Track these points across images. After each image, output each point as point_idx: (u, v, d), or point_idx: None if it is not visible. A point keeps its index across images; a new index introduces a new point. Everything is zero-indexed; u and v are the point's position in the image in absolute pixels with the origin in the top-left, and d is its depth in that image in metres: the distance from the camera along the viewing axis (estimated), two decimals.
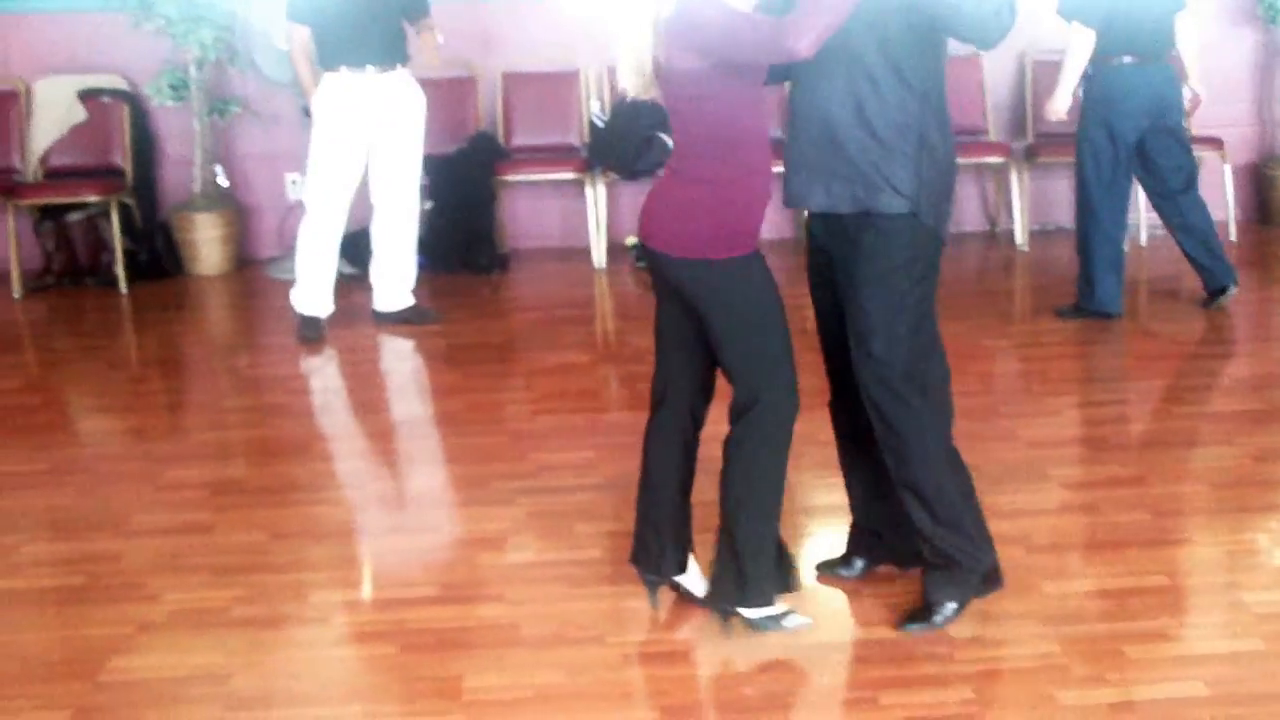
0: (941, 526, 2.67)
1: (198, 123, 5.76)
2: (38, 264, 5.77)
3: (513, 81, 6.03)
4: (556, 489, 3.46)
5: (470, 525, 3.29)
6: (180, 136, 5.92)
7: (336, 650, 2.74)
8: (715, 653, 2.68)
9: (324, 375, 4.74)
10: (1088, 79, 4.64)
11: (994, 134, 6.11)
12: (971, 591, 2.73)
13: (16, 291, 5.60)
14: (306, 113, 4.99)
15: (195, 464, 3.77)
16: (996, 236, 6.23)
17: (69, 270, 5.77)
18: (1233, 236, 5.92)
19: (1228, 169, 5.95)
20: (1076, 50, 4.55)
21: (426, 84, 5.96)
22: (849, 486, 2.90)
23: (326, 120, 4.73)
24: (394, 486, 3.74)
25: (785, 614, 2.71)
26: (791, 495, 3.41)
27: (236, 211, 5.96)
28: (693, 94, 2.52)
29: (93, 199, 5.64)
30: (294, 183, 5.91)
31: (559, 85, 6.02)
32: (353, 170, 4.79)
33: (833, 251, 2.70)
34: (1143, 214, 5.88)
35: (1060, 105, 4.65)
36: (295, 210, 5.30)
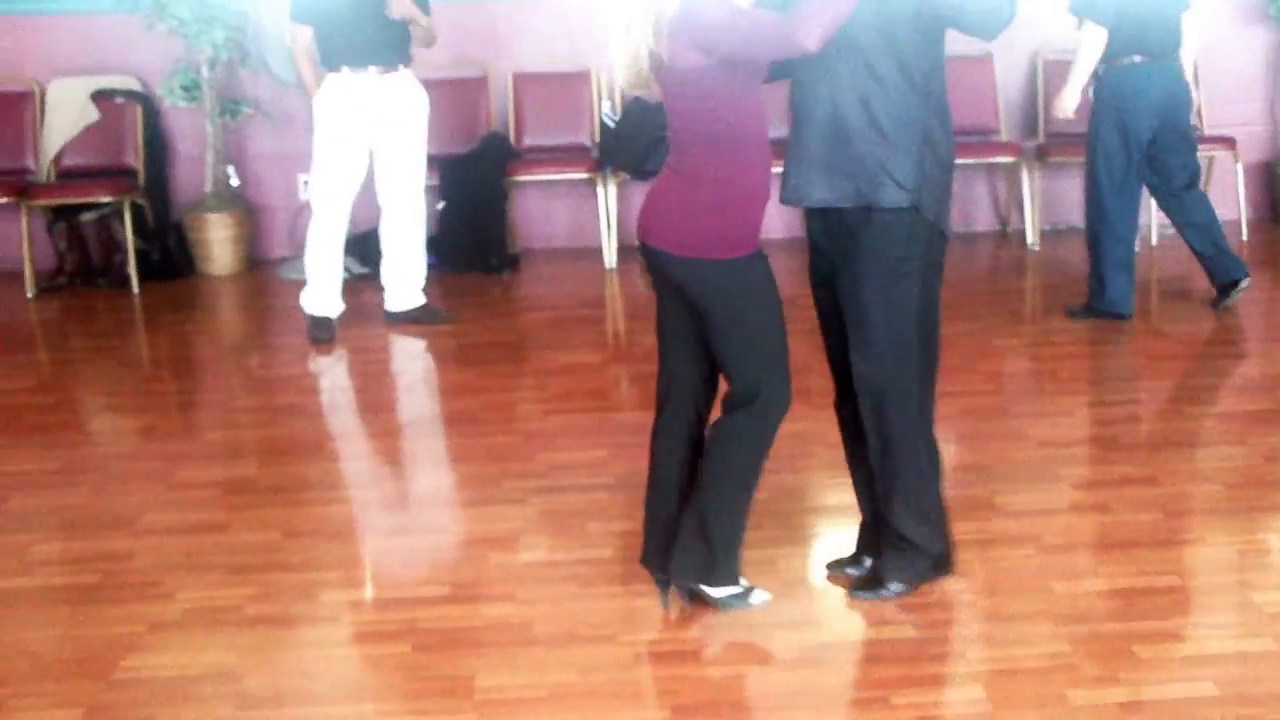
0: (910, 513, 2.75)
1: (210, 123, 5.78)
2: (50, 264, 5.79)
3: (524, 82, 6.03)
4: (568, 488, 3.47)
5: (482, 524, 3.29)
6: (192, 137, 5.94)
7: (348, 649, 2.75)
8: (726, 652, 2.69)
9: (335, 375, 4.75)
10: (1098, 79, 4.62)
11: (1005, 134, 6.10)
12: (922, 575, 2.82)
13: (30, 291, 5.63)
14: None
15: (207, 463, 3.78)
16: (1008, 236, 6.22)
17: (81, 270, 5.79)
18: (1244, 236, 5.90)
19: (1239, 168, 5.93)
20: (1088, 49, 4.54)
21: (438, 84, 6.00)
22: (856, 485, 2.91)
23: (328, 121, 4.74)
24: (405, 486, 3.75)
25: (749, 590, 2.75)
26: (800, 495, 3.43)
27: (248, 212, 5.98)
28: (693, 92, 2.52)
29: (105, 199, 5.67)
30: (305, 183, 5.91)
31: (570, 85, 6.03)
32: (355, 171, 4.80)
33: (832, 249, 2.71)
34: (1153, 214, 5.85)
35: (1069, 104, 4.63)
36: (306, 211, 5.31)
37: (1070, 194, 6.22)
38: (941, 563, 2.84)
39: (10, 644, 2.81)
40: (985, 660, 2.62)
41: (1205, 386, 4.31)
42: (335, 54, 4.70)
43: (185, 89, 5.71)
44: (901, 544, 2.79)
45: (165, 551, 3.19)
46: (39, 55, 5.93)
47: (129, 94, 5.89)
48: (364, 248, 5.52)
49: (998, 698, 2.48)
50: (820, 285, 2.79)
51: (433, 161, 5.85)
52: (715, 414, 2.75)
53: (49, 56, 5.92)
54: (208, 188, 5.86)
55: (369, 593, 3.00)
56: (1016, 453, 3.62)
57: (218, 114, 5.78)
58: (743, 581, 2.77)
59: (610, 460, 3.61)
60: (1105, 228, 4.68)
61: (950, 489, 3.36)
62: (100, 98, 5.86)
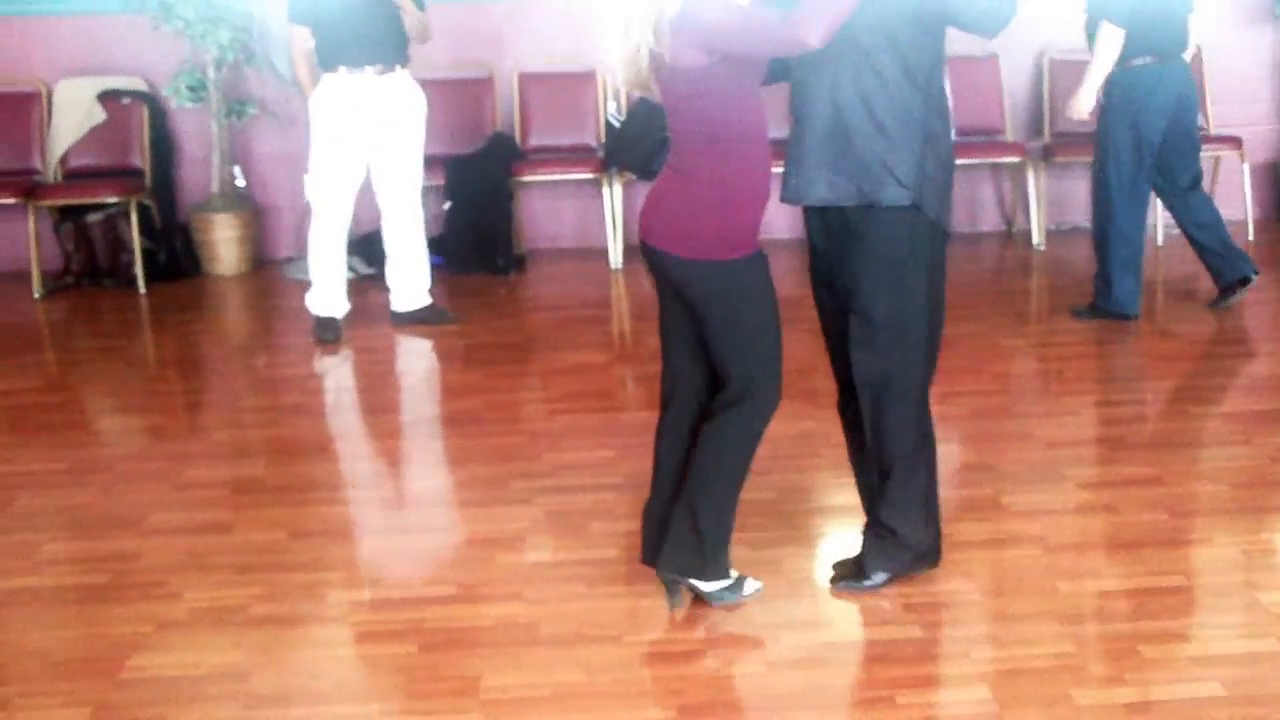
0: (898, 506, 2.77)
1: (215, 124, 5.79)
2: (57, 264, 5.81)
3: (529, 82, 6.04)
4: (574, 488, 3.47)
5: (488, 524, 3.30)
6: (198, 137, 5.96)
7: (355, 649, 2.76)
8: (732, 651, 2.69)
9: (341, 375, 4.76)
10: (1109, 80, 4.60)
11: (1011, 134, 6.09)
12: (905, 566, 2.84)
13: (37, 291, 5.65)
14: None
15: (214, 463, 3.79)
16: (1013, 236, 6.21)
17: (88, 270, 5.81)
18: (1250, 236, 5.89)
19: (1246, 168, 5.92)
20: (1105, 50, 4.49)
21: (443, 84, 6.02)
22: (860, 486, 2.92)
23: (325, 121, 4.73)
24: (411, 486, 3.76)
25: (741, 580, 2.77)
26: (805, 495, 3.43)
27: (254, 212, 6.00)
28: (694, 92, 2.53)
29: (112, 199, 5.68)
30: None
31: (575, 85, 6.03)
32: (353, 171, 4.80)
33: (832, 248, 2.71)
34: (1159, 214, 5.85)
35: (1085, 105, 4.59)
36: (309, 211, 5.32)
37: (1076, 194, 6.21)
38: (926, 556, 2.86)
39: (18, 643, 2.82)
40: (991, 660, 2.62)
41: (1211, 386, 4.30)
42: (333, 54, 4.70)
43: (191, 89, 5.72)
44: (885, 534, 2.81)
45: (172, 551, 3.20)
46: (46, 56, 5.95)
47: (135, 95, 5.91)
48: (370, 248, 5.53)
49: (1003, 698, 2.47)
50: (820, 285, 2.80)
51: (438, 162, 5.88)
52: None
53: (56, 57, 5.94)
54: (214, 188, 5.88)
55: (375, 593, 3.00)
56: (1022, 453, 3.62)
57: (224, 114, 5.79)
58: (733, 572, 2.78)
59: (616, 460, 3.62)
60: (1114, 229, 4.67)
61: (956, 489, 3.38)
62: (107, 98, 5.88)
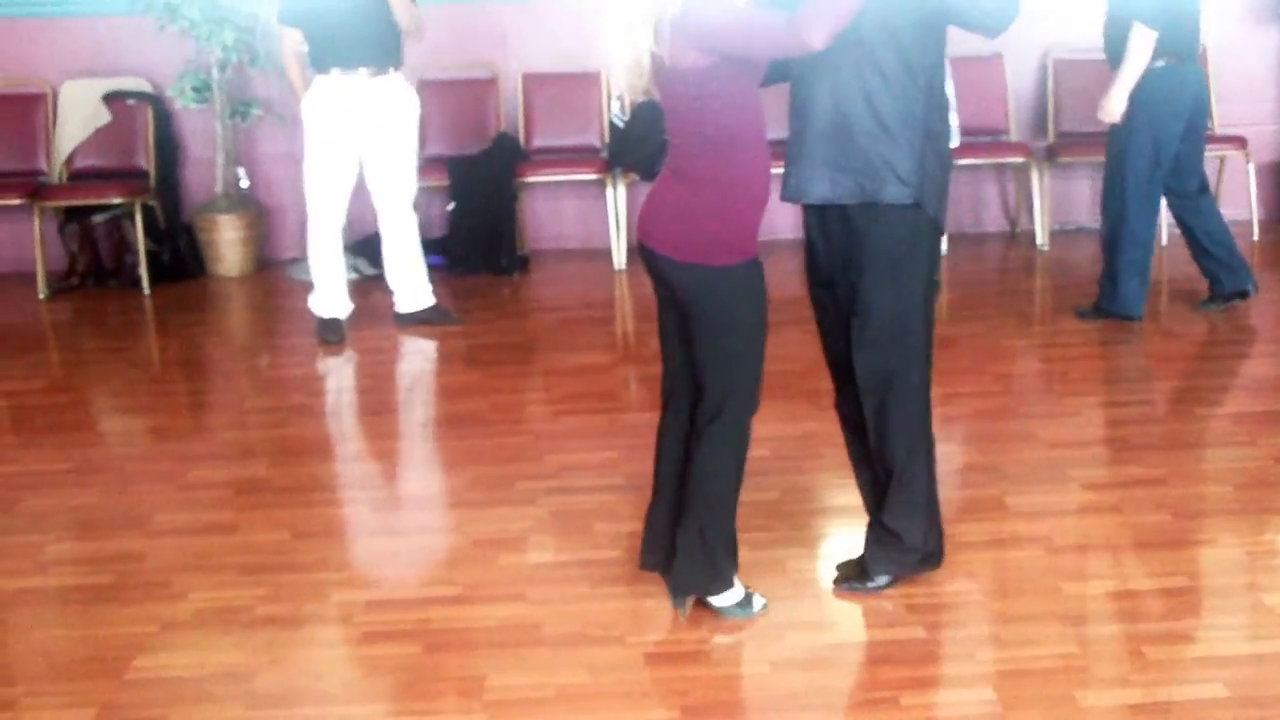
0: (902, 508, 2.77)
1: (220, 124, 5.80)
2: (62, 265, 5.82)
3: (533, 83, 6.04)
4: (577, 489, 3.47)
5: (491, 525, 3.30)
6: (203, 138, 5.97)
7: (359, 649, 2.76)
8: (735, 652, 2.69)
9: (345, 376, 4.77)
10: (1144, 75, 4.49)
11: (1015, 134, 6.08)
12: (909, 569, 2.84)
13: (41, 292, 5.66)
14: None
15: (218, 464, 3.80)
16: (1017, 237, 6.21)
17: (93, 271, 5.82)
18: (1255, 236, 5.88)
19: (1251, 168, 5.91)
20: (1139, 51, 4.42)
21: (447, 85, 6.03)
22: (861, 486, 2.92)
23: (317, 123, 4.73)
24: (415, 487, 3.76)
25: (749, 597, 2.77)
26: (809, 496, 3.43)
27: (258, 213, 6.00)
28: (693, 93, 2.53)
29: (117, 200, 5.69)
30: None
31: (579, 86, 6.03)
32: (346, 172, 4.79)
33: (831, 247, 2.71)
34: (1163, 215, 5.84)
35: (1116, 107, 4.51)
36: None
37: (1080, 194, 6.21)
38: (929, 557, 2.85)
39: (24, 643, 2.83)
40: (995, 661, 2.62)
41: (1215, 387, 4.30)
42: (325, 56, 4.68)
43: (196, 90, 5.73)
44: (889, 537, 2.81)
45: (177, 552, 3.20)
46: (51, 57, 5.96)
47: (140, 96, 5.92)
48: (373, 249, 5.52)
49: (1007, 699, 2.47)
50: (818, 285, 2.80)
51: (442, 162, 5.89)
52: None
53: (61, 58, 5.95)
54: (218, 189, 5.89)
55: (379, 593, 3.01)
56: (1026, 453, 3.62)
57: (228, 115, 5.80)
58: (741, 588, 2.77)
59: (620, 461, 3.62)
60: (1126, 231, 4.63)
61: (960, 490, 3.38)
62: (112, 99, 5.89)
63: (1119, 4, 4.51)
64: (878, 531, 2.83)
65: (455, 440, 3.98)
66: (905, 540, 2.80)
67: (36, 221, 5.67)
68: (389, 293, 5.10)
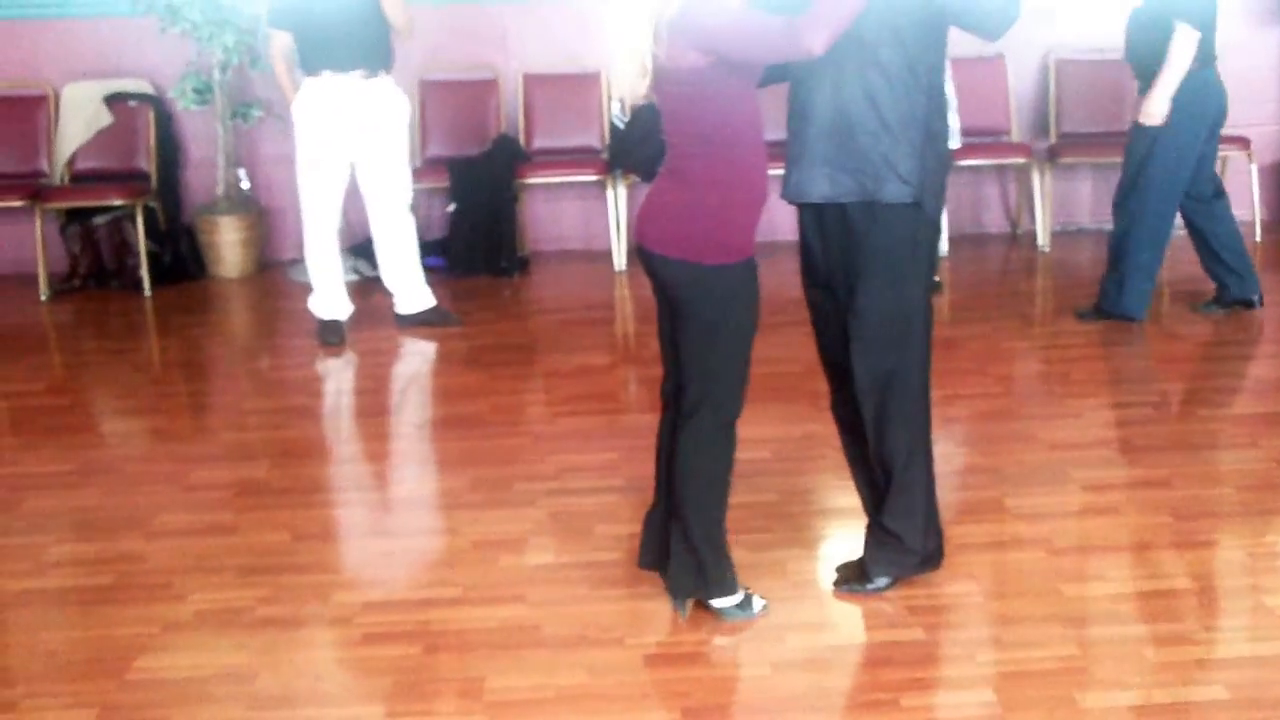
0: (902, 509, 2.77)
1: (221, 126, 5.81)
2: (63, 267, 5.82)
3: (534, 83, 6.04)
4: (577, 491, 3.47)
5: (491, 527, 3.30)
6: (204, 140, 5.97)
7: (359, 651, 2.76)
8: (735, 654, 2.69)
9: (345, 377, 4.77)
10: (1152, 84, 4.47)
11: (1016, 134, 6.08)
12: (909, 570, 2.84)
13: (43, 294, 5.66)
14: None
15: (219, 465, 3.80)
16: (1018, 238, 6.20)
17: (94, 273, 5.82)
18: (1258, 237, 5.88)
19: (1254, 169, 5.91)
20: (1182, 52, 4.38)
21: (448, 86, 6.03)
22: (859, 487, 2.92)
23: (308, 125, 4.73)
24: (415, 488, 3.76)
25: (749, 598, 2.76)
26: (809, 498, 3.43)
27: (259, 214, 6.00)
28: (689, 94, 2.53)
29: (118, 202, 5.70)
30: None
31: (580, 87, 6.03)
32: (339, 174, 4.79)
33: (828, 247, 2.71)
34: None
35: (1160, 109, 4.46)
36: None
37: (1082, 196, 6.21)
38: (929, 559, 2.85)
39: (25, 644, 2.84)
40: (995, 663, 2.62)
41: (1217, 389, 4.29)
42: (317, 58, 4.67)
43: (197, 92, 5.73)
44: (889, 539, 2.81)
45: (178, 553, 3.20)
46: (53, 59, 5.96)
47: (142, 97, 5.92)
48: (373, 251, 5.53)
49: (1007, 700, 2.47)
50: (814, 286, 2.79)
51: (442, 164, 5.89)
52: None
53: (63, 60, 5.95)
54: (219, 190, 5.89)
55: (379, 594, 3.01)
56: (1027, 455, 3.61)
57: (229, 117, 5.80)
58: (740, 590, 2.77)
59: (620, 463, 3.62)
60: (1144, 233, 4.59)
61: (961, 491, 3.38)
62: (113, 101, 5.90)
63: (1157, 5, 4.44)
64: (877, 533, 2.83)
65: (455, 442, 3.98)
66: (905, 542, 2.80)
67: (38, 223, 5.68)
68: (389, 294, 5.10)
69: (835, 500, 3.35)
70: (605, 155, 5.94)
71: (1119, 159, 5.94)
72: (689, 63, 2.49)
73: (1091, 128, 6.03)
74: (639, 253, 2.70)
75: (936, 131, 2.65)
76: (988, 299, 5.26)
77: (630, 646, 2.70)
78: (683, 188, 2.59)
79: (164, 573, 3.10)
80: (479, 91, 6.05)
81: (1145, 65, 4.54)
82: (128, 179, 5.82)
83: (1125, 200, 4.68)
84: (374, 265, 5.39)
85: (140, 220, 5.64)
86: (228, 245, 5.88)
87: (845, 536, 3.08)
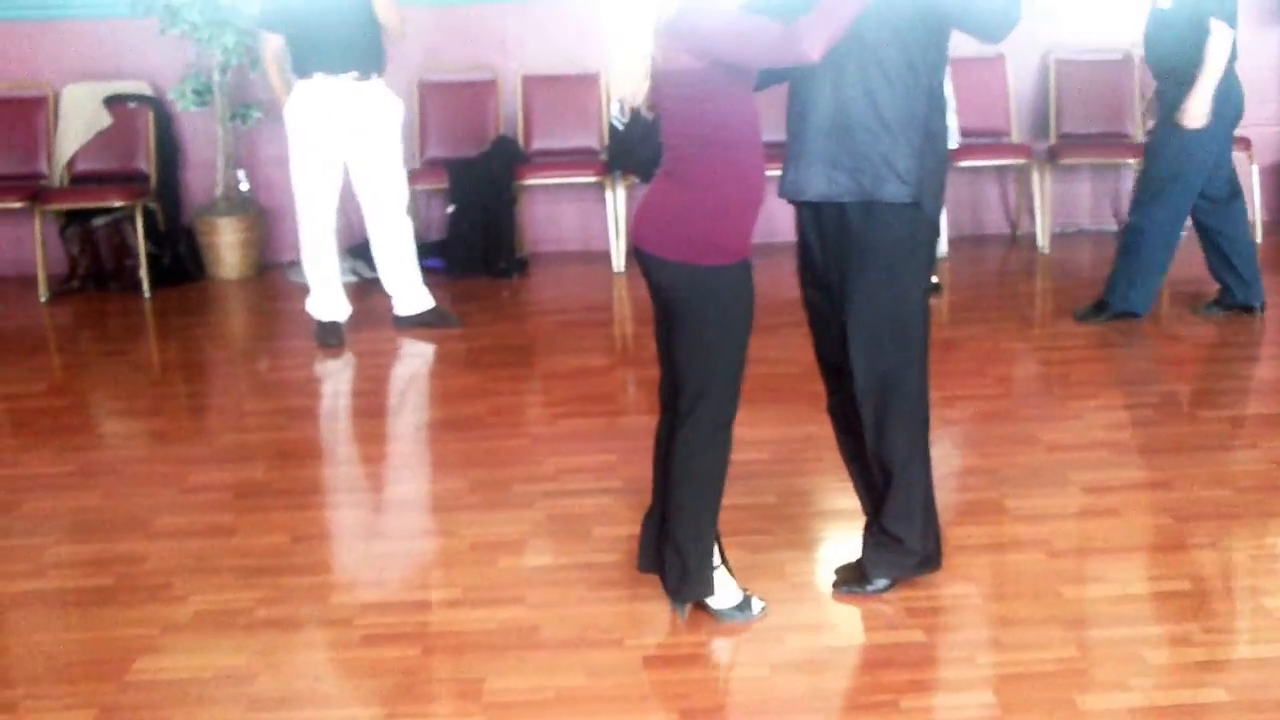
0: (902, 511, 2.77)
1: (220, 127, 5.81)
2: (63, 268, 5.83)
3: (533, 85, 6.04)
4: (576, 492, 3.47)
5: (490, 528, 3.30)
6: (203, 141, 5.97)
7: (358, 652, 2.76)
8: (734, 656, 2.69)
9: (344, 379, 4.77)
10: (1193, 81, 4.42)
11: (1016, 135, 6.08)
12: (908, 572, 2.84)
13: (42, 295, 5.66)
14: None
15: (218, 467, 3.80)
16: (1018, 239, 6.20)
17: (93, 274, 5.82)
18: (1258, 238, 5.87)
19: (1255, 169, 5.90)
20: (1219, 52, 4.36)
21: (447, 87, 6.03)
22: (856, 487, 2.92)
23: (300, 128, 4.73)
24: (414, 489, 3.76)
25: (747, 600, 2.76)
26: (808, 499, 3.43)
27: (258, 215, 6.01)
28: (685, 94, 2.52)
29: (117, 204, 5.70)
30: None
31: (579, 88, 6.03)
32: (332, 176, 4.79)
33: (826, 246, 2.71)
34: None
35: (1201, 110, 4.43)
36: None
37: (1081, 197, 6.21)
38: (928, 560, 2.85)
39: (24, 646, 2.83)
40: (994, 665, 2.62)
41: (1218, 390, 4.29)
42: (309, 60, 4.67)
43: (197, 93, 5.73)
44: (888, 540, 2.81)
45: (177, 554, 3.20)
46: (53, 60, 5.97)
47: (141, 99, 5.92)
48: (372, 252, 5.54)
49: (1007, 702, 2.47)
50: (811, 285, 2.79)
51: (441, 165, 5.89)
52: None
53: (63, 62, 5.96)
54: (218, 192, 5.89)
55: (378, 596, 3.01)
56: (1027, 456, 3.61)
57: (228, 118, 5.80)
58: (740, 591, 2.77)
59: (618, 464, 3.62)
60: (1160, 231, 4.57)
61: (960, 492, 3.37)
62: (113, 103, 5.90)
63: (1188, 4, 4.40)
64: (876, 534, 2.83)
65: (454, 443, 3.98)
66: (905, 543, 2.80)
67: (37, 224, 5.68)
68: (388, 296, 5.10)
69: (834, 502, 3.35)
70: (604, 156, 5.95)
71: (1119, 160, 6.00)
72: (684, 64, 2.49)
73: (1091, 129, 6.03)
74: (636, 254, 2.70)
75: (936, 131, 2.65)
76: (987, 300, 5.27)
77: (629, 648, 2.70)
78: (680, 189, 2.59)
79: (163, 574, 3.10)
80: (478, 93, 6.05)
81: (1169, 65, 4.49)
82: (127, 180, 5.82)
83: (1150, 200, 4.63)
84: (372, 267, 5.39)
85: (139, 222, 5.64)
86: (227, 246, 5.88)
87: (844, 538, 3.08)
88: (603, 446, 3.79)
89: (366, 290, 5.40)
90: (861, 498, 2.91)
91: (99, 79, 5.93)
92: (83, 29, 5.96)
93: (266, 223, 6.05)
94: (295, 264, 5.92)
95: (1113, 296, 4.75)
